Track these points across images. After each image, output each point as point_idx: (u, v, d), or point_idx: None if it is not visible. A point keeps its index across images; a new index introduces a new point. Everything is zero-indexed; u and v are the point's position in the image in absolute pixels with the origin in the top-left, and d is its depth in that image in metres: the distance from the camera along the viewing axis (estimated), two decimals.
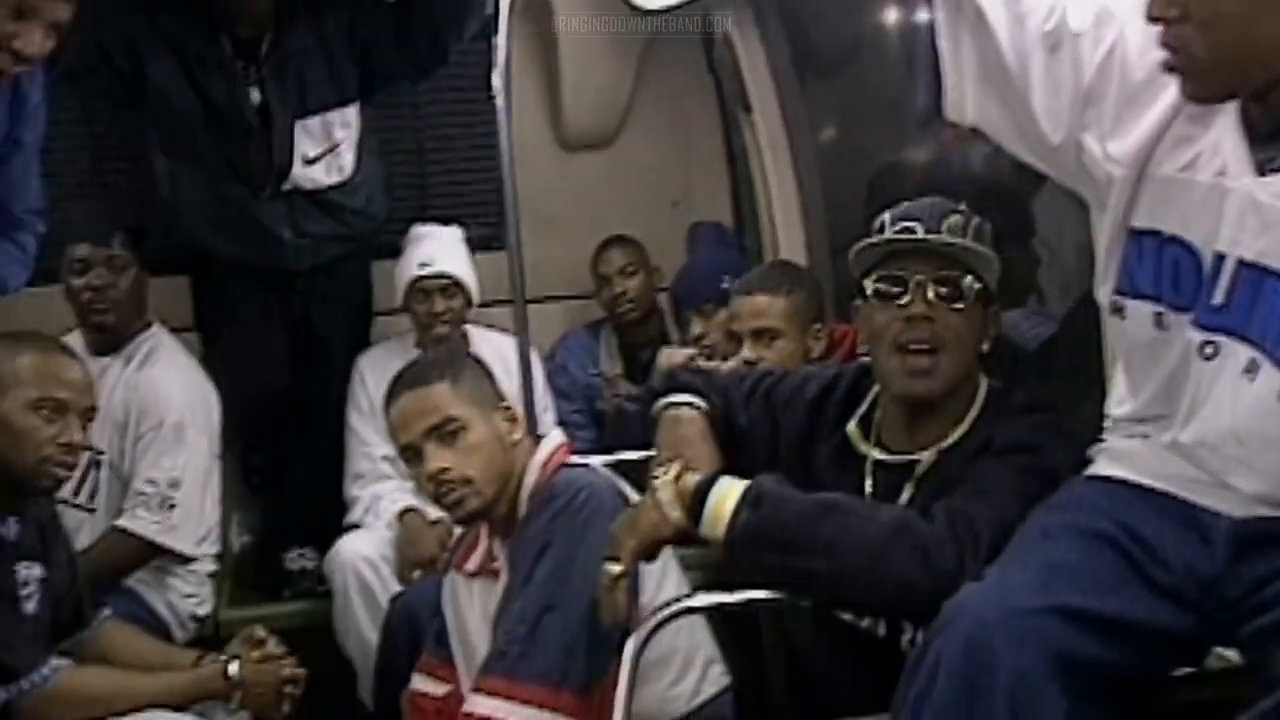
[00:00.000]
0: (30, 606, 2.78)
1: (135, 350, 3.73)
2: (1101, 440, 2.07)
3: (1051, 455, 2.18)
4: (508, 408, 2.65)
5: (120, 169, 4.45)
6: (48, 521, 2.92)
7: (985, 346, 2.33)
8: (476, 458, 2.56)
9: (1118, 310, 1.92)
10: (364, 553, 3.87)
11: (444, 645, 2.75)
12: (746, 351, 3.19)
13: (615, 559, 2.21)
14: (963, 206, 2.34)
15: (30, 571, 2.79)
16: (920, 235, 2.28)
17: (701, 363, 3.31)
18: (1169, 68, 1.74)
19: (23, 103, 3.13)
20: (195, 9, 3.85)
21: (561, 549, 2.45)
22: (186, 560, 3.70)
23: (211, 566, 3.88)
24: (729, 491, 2.16)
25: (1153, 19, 1.71)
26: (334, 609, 3.89)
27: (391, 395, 2.64)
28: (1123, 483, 1.97)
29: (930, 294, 2.28)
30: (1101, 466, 2.03)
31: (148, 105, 3.97)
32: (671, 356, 2.73)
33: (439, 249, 4.11)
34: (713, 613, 2.52)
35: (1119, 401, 2.02)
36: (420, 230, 4.19)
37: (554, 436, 2.73)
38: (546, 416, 4.18)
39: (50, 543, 2.89)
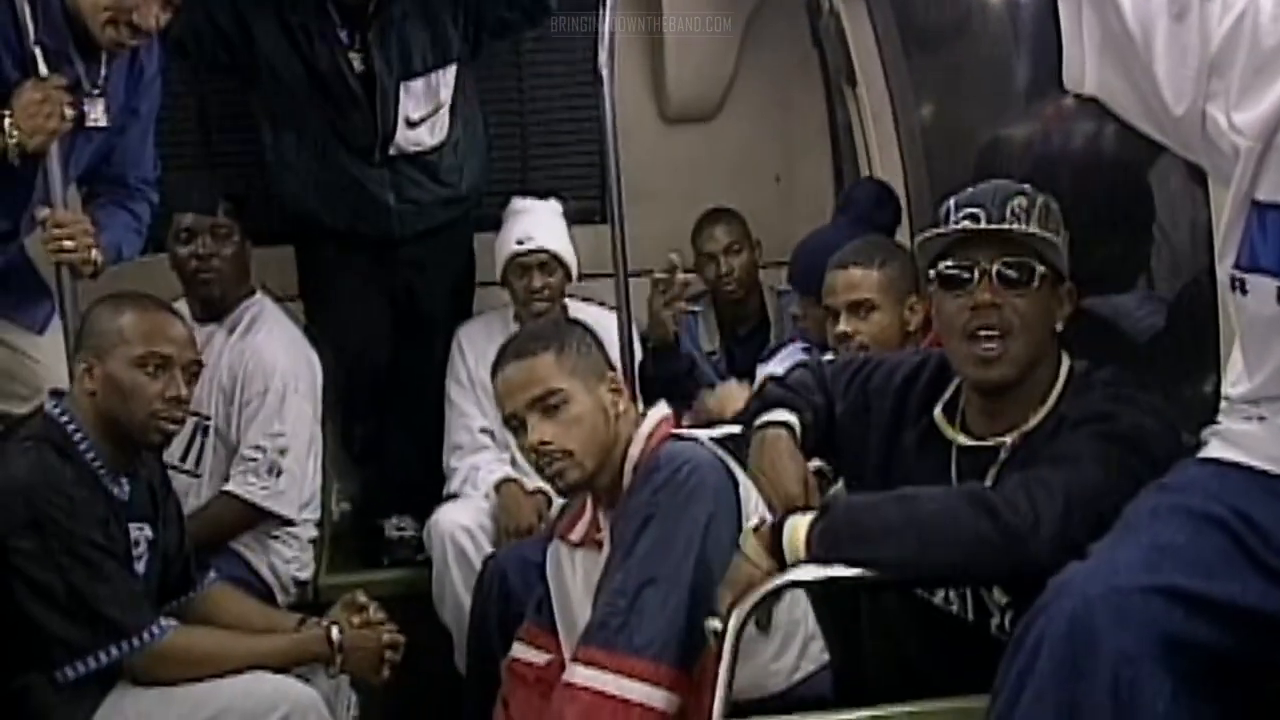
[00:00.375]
0: (141, 567, 2.85)
1: (240, 318, 3.79)
2: (1216, 423, 2.03)
3: (1126, 419, 2.18)
4: (614, 379, 2.64)
5: (227, 138, 4.51)
6: (158, 484, 2.99)
7: (1059, 326, 2.34)
8: (578, 430, 2.56)
9: (1238, 285, 1.88)
10: (462, 522, 3.90)
11: (545, 614, 2.76)
12: (842, 324, 3.20)
13: (719, 616, 2.24)
14: (1027, 188, 2.33)
15: (141, 532, 2.86)
16: (983, 224, 2.28)
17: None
18: None
19: (140, 74, 3.21)
20: None
21: (664, 522, 2.44)
22: (290, 524, 3.77)
23: (313, 532, 3.93)
24: (800, 520, 2.22)
25: None
26: (432, 577, 3.92)
27: (497, 364, 2.65)
28: (1237, 466, 1.92)
29: (995, 280, 2.29)
30: (1214, 449, 1.99)
31: (255, 74, 4.03)
32: (723, 400, 2.65)
33: (536, 224, 4.10)
34: (813, 592, 2.52)
35: (1234, 382, 1.98)
36: (518, 204, 4.19)
37: (659, 409, 2.71)
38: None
39: (160, 505, 2.96)
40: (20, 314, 3.34)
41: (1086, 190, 3.59)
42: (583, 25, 3.92)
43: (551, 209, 4.18)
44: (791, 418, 2.54)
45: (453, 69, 4.05)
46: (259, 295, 3.89)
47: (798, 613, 2.56)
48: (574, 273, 4.13)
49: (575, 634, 2.60)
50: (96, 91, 3.15)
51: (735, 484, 2.50)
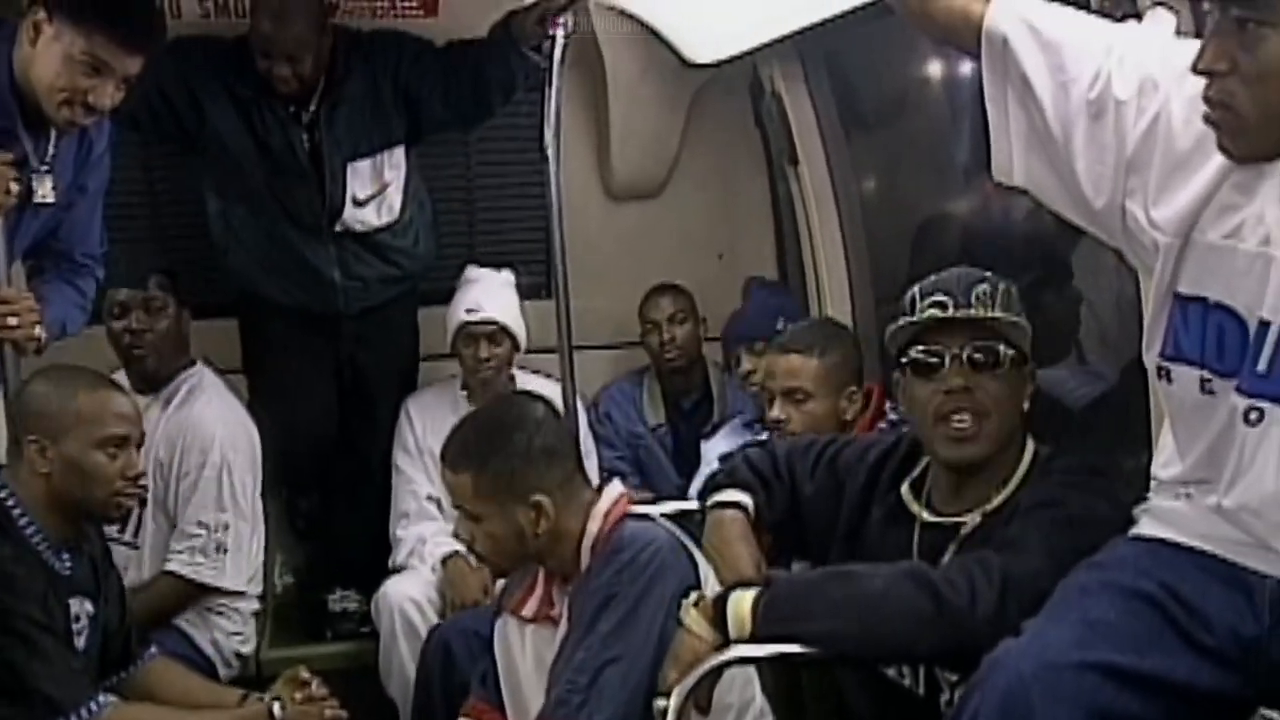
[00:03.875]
0: (81, 642, 2.83)
1: (176, 389, 3.79)
2: (1146, 500, 2.08)
3: (1076, 505, 2.24)
4: (536, 504, 2.59)
5: (173, 210, 4.50)
6: (100, 558, 2.97)
7: (1025, 405, 2.39)
8: (490, 544, 2.64)
9: (1164, 374, 1.94)
10: (411, 594, 3.90)
11: (491, 689, 2.77)
12: (776, 410, 3.24)
13: (665, 694, 2.26)
14: (989, 275, 2.40)
15: (82, 607, 2.84)
16: (951, 312, 2.36)
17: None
18: (1211, 122, 1.76)
19: (88, 151, 3.21)
20: (251, 56, 3.92)
21: (627, 602, 2.48)
22: (233, 597, 3.76)
23: (255, 605, 3.92)
24: (744, 593, 2.26)
25: (1200, 72, 1.73)
26: (380, 650, 3.91)
27: (443, 451, 2.70)
28: (1166, 543, 1.98)
29: (967, 365, 2.36)
30: (1145, 527, 2.04)
31: (204, 148, 4.04)
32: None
33: (487, 294, 4.14)
34: (762, 670, 2.56)
35: (1165, 463, 2.03)
36: (471, 273, 4.22)
37: (614, 487, 2.73)
38: (588, 464, 4.22)
39: (102, 579, 2.95)
40: None
41: (1026, 263, 3.65)
42: (529, 103, 3.97)
43: (503, 280, 4.21)
44: (745, 498, 2.58)
45: (399, 151, 4.09)
46: (198, 366, 3.89)
47: (750, 691, 2.59)
48: (522, 344, 4.16)
49: (523, 710, 2.61)
50: (45, 168, 3.14)
51: (695, 565, 2.53)
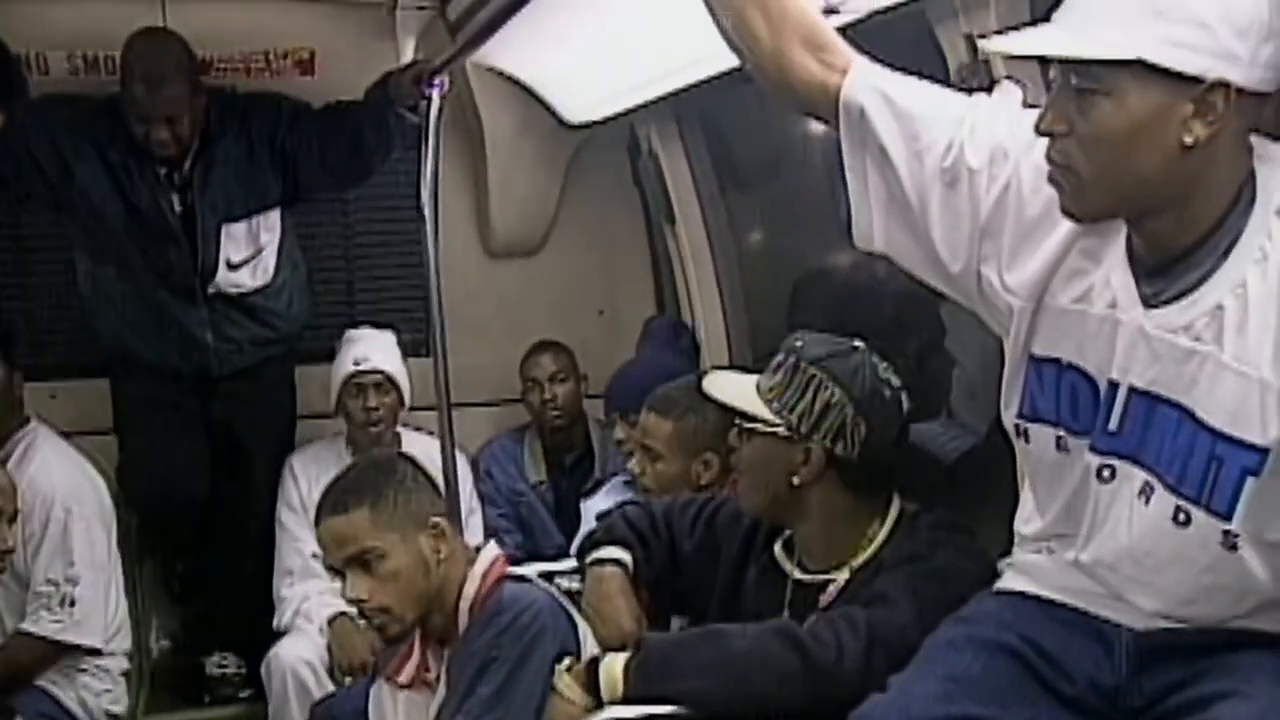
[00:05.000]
0: None
1: (11, 450, 3.71)
2: (1008, 555, 2.13)
3: (941, 559, 2.30)
4: (435, 525, 2.60)
5: (41, 270, 4.42)
6: None
7: (795, 480, 2.45)
8: (394, 586, 2.55)
9: (1022, 434, 1.99)
10: (304, 656, 3.86)
11: None
12: (633, 462, 3.29)
13: None
14: (812, 351, 2.47)
15: None
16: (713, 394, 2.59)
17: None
18: (1054, 183, 1.82)
19: None
20: (121, 117, 3.88)
21: (507, 665, 2.46)
22: (95, 654, 3.68)
23: (124, 664, 3.85)
24: (615, 657, 2.31)
25: (1041, 132, 1.79)
26: (270, 713, 3.86)
27: (319, 511, 2.63)
28: (1028, 596, 2.02)
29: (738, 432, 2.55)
30: (1008, 581, 2.09)
31: (73, 208, 3.99)
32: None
33: (373, 347, 4.17)
34: None
35: (1026, 519, 2.08)
36: (353, 332, 4.24)
37: (491, 548, 2.72)
38: (473, 520, 4.21)
39: None
40: None
41: (899, 319, 3.71)
42: (407, 161, 3.97)
43: (387, 337, 4.24)
44: (624, 555, 2.60)
45: (275, 214, 4.08)
46: (32, 425, 3.81)
47: None
48: (407, 398, 4.17)
49: None
50: None
51: (574, 626, 2.53)
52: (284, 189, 4.08)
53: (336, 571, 2.62)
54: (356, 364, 4.11)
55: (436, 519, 2.61)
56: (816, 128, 4.23)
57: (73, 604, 3.62)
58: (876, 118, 2.02)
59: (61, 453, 3.81)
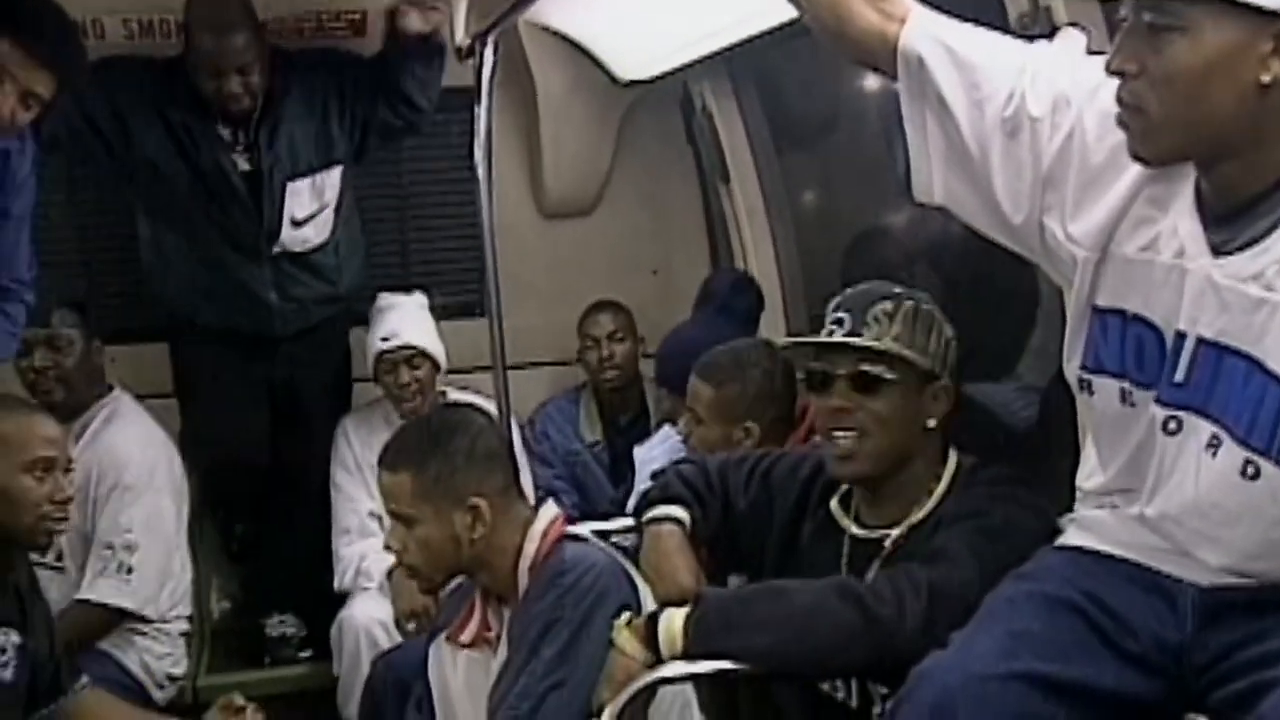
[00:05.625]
0: (8, 674, 2.79)
1: (93, 417, 3.76)
2: (1071, 511, 2.10)
3: (1000, 514, 2.26)
4: (474, 506, 2.59)
5: (100, 236, 4.46)
6: (26, 589, 2.93)
7: (930, 423, 2.41)
8: (423, 552, 2.61)
9: (1085, 386, 1.96)
10: (377, 616, 3.89)
11: (426, 713, 2.76)
12: (681, 423, 3.29)
13: (597, 714, 2.27)
14: (897, 290, 2.42)
15: (8, 638, 2.80)
16: (836, 337, 2.40)
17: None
18: (1122, 124, 1.78)
19: (12, 176, 3.17)
20: (180, 79, 3.88)
21: (569, 627, 2.47)
22: (151, 621, 3.72)
23: (184, 626, 3.89)
24: (674, 612, 2.28)
25: (1111, 73, 1.76)
26: (341, 672, 3.90)
27: (380, 459, 2.69)
28: (1091, 552, 1.99)
29: (849, 387, 2.40)
30: (1071, 536, 2.06)
31: (134, 173, 4.01)
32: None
33: (401, 320, 4.13)
34: (699, 688, 2.58)
35: (1088, 474, 2.05)
36: (383, 301, 4.20)
37: (549, 508, 2.72)
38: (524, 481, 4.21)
39: (29, 610, 2.91)
40: None
41: (964, 274, 3.67)
42: (460, 122, 3.96)
43: (417, 303, 4.21)
44: (681, 512, 2.58)
45: (338, 170, 4.07)
46: (114, 393, 3.86)
47: (688, 716, 2.59)
48: (442, 364, 4.15)
49: None
50: None
51: (634, 586, 2.53)
52: (349, 145, 4.08)
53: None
54: (385, 340, 4.09)
55: (476, 500, 2.59)
56: (872, 83, 4.20)
57: (129, 571, 3.66)
58: (936, 67, 1.99)
59: (140, 422, 3.86)
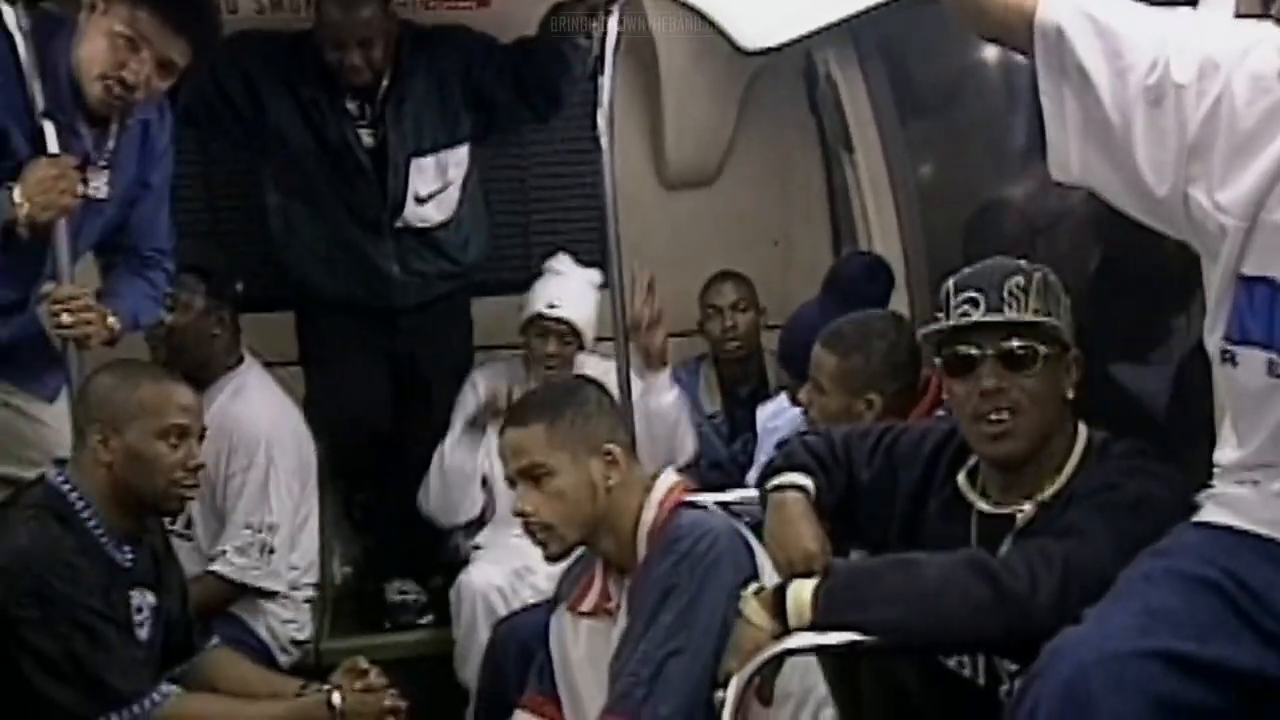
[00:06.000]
0: (143, 633, 2.86)
1: (223, 386, 3.83)
2: (1210, 486, 2.05)
3: (1134, 489, 2.21)
4: (608, 452, 2.64)
5: (230, 206, 4.54)
6: (161, 550, 3.00)
7: (1069, 394, 2.36)
8: (559, 504, 2.61)
9: (1228, 358, 1.91)
10: (495, 581, 3.92)
11: (547, 682, 2.78)
12: (803, 392, 3.24)
13: (724, 684, 2.26)
14: (1023, 265, 2.36)
15: (144, 598, 2.87)
16: (979, 315, 2.33)
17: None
18: None
19: (151, 147, 3.24)
20: (310, 53, 3.94)
21: (687, 593, 2.47)
22: (279, 591, 3.82)
23: (310, 594, 3.98)
24: (803, 583, 2.25)
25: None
26: (458, 637, 3.94)
27: (504, 424, 2.74)
28: (1230, 529, 1.94)
29: (1000, 365, 2.33)
30: (1209, 513, 2.01)
31: (264, 145, 4.07)
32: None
33: (568, 292, 4.17)
34: (822, 659, 2.55)
35: (1227, 450, 2.00)
36: (559, 265, 4.25)
37: (669, 475, 2.74)
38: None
39: (163, 571, 2.98)
40: (33, 382, 3.35)
41: (1086, 247, 3.60)
42: (582, 93, 3.97)
43: (587, 279, 4.21)
44: (805, 480, 2.54)
45: (463, 149, 4.10)
46: (247, 363, 3.93)
47: (810, 680, 2.57)
48: (588, 345, 4.19)
49: (578, 704, 2.62)
50: (103, 164, 3.18)
51: (752, 553, 2.52)
52: (474, 125, 4.11)
53: (512, 482, 2.69)
54: (549, 306, 4.12)
55: (610, 446, 2.65)
56: (994, 52, 4.13)
57: (271, 552, 3.75)
58: (1076, 36, 1.95)
59: (271, 394, 3.94)
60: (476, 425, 4.11)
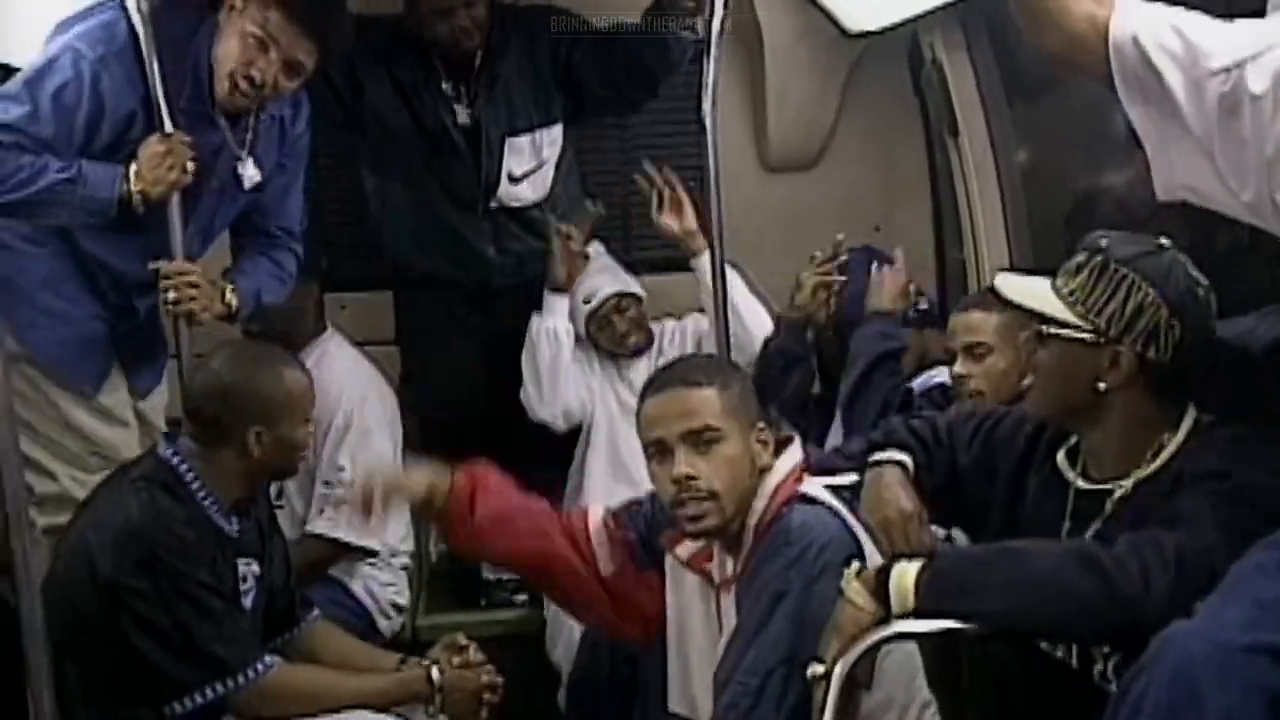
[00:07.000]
0: (247, 602, 2.91)
1: (307, 355, 3.86)
2: None
3: (1243, 475, 2.16)
4: (762, 429, 2.60)
5: (330, 187, 4.57)
6: (266, 521, 3.05)
7: (1102, 385, 2.32)
8: (727, 473, 2.52)
9: None
10: None
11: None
12: (958, 367, 3.23)
13: (820, 660, 2.25)
14: (1102, 244, 2.33)
15: (249, 568, 2.92)
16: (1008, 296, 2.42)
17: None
18: None
19: (285, 135, 3.33)
20: (407, 37, 3.98)
21: (797, 600, 2.42)
22: (372, 555, 3.89)
23: (405, 560, 4.05)
24: (906, 567, 2.23)
25: None
26: (549, 614, 3.96)
27: (652, 388, 2.61)
28: None
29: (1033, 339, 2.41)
30: None
31: (362, 127, 4.11)
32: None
33: (597, 274, 4.20)
34: (924, 650, 2.54)
35: None
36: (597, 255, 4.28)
37: (794, 453, 2.65)
38: None
39: (268, 541, 3.03)
40: (133, 378, 3.41)
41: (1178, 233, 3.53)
42: (684, 74, 3.95)
43: (597, 253, 4.25)
44: (904, 456, 2.54)
45: (557, 128, 4.11)
46: (329, 332, 4.01)
47: (915, 685, 2.54)
48: (643, 295, 4.23)
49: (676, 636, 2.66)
50: (244, 152, 3.27)
51: (863, 556, 2.47)
52: (566, 106, 4.11)
53: (659, 450, 2.57)
54: (587, 300, 4.15)
55: (762, 424, 2.60)
56: None
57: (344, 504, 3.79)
58: (1151, 46, 1.94)
59: (353, 361, 4.01)
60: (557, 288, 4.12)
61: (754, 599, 2.48)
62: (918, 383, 3.61)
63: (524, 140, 4.07)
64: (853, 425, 3.42)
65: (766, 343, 3.91)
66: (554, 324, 4.07)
